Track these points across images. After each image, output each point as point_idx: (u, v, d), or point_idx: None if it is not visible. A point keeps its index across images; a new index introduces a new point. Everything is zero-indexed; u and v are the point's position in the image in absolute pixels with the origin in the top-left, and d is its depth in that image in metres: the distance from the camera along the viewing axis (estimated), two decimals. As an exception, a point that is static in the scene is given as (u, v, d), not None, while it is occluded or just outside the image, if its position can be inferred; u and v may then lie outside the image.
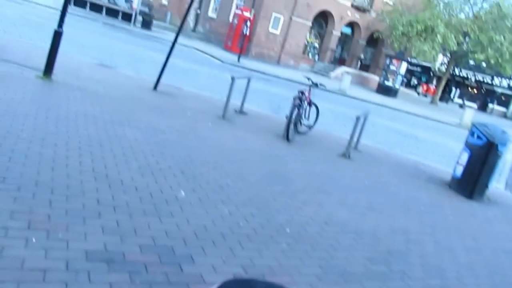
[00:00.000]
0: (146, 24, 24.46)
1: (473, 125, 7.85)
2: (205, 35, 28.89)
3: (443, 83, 33.25)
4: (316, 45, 30.91)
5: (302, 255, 3.53)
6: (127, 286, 2.47)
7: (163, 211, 3.59)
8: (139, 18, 24.58)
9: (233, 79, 8.03)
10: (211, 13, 30.35)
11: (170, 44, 9.16)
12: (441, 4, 29.81)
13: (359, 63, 32.79)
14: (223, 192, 4.39)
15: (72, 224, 3.01)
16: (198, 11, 30.55)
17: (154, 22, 25.74)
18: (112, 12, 24.88)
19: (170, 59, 9.07)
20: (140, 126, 5.98)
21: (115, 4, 25.01)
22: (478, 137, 7.18)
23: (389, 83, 27.02)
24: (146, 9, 26.24)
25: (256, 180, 5.09)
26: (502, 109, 48.01)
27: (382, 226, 4.76)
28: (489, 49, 26.61)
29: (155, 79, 8.92)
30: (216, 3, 30.05)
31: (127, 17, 24.76)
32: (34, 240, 2.69)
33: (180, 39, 10.47)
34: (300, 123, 8.26)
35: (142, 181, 4.09)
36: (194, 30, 30.61)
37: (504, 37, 25.95)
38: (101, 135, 5.17)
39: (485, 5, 29.02)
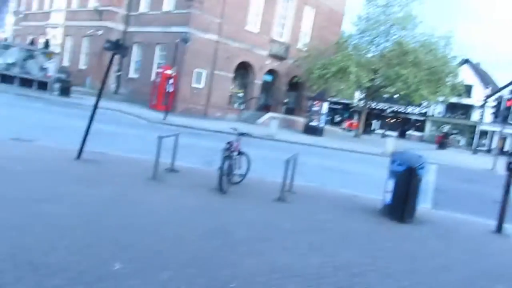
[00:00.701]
0: (65, 91, 23.71)
1: (393, 154, 8.38)
2: (129, 96, 28.61)
3: (364, 117, 35.40)
4: (241, 95, 31.77)
5: (249, 310, 3.44)
6: None
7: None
8: (56, 85, 23.83)
9: (160, 138, 7.95)
10: (132, 74, 30.27)
11: (92, 109, 8.93)
12: (350, 47, 32.27)
13: (284, 107, 34.07)
14: (161, 257, 4.22)
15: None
16: (119, 73, 30.36)
17: (73, 88, 25.04)
18: (26, 82, 23.86)
19: (94, 125, 8.82)
20: (65, 200, 5.65)
21: (29, 73, 24.11)
22: (399, 164, 7.65)
23: (314, 123, 28.22)
24: (63, 76, 25.56)
25: (194, 238, 4.96)
26: (418, 133, 51.86)
27: (325, 264, 4.79)
28: (397, 83, 28.95)
29: (78, 148, 8.57)
30: (136, 64, 30.10)
31: (43, 85, 23.89)
32: None
33: (103, 103, 10.28)
34: (233, 173, 8.28)
35: (71, 260, 3.82)
36: (116, 92, 30.22)
37: (408, 71, 28.43)
38: (21, 216, 4.79)
39: (388, 44, 31.83)
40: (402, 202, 7.47)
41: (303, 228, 6.25)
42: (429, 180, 9.67)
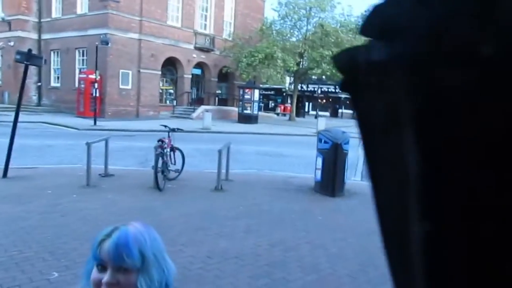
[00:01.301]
0: (-18, 109, 22.34)
1: (319, 132, 8.90)
2: (53, 107, 27.39)
3: (295, 100, 36.38)
4: (171, 91, 31.48)
5: (189, 294, 3.66)
6: None
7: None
8: (-28, 105, 22.35)
9: (88, 144, 7.87)
10: (53, 83, 28.94)
11: (12, 125, 8.61)
12: (274, 32, 32.92)
13: (216, 99, 34.20)
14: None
15: None
16: (39, 84, 28.90)
17: (-9, 105, 23.62)
18: None
19: (19, 140, 8.53)
20: (-6, 219, 5.52)
21: None
22: (325, 141, 8.15)
23: (247, 111, 28.62)
24: (-23, 94, 23.98)
25: (132, 238, 5.08)
26: (350, 111, 54.06)
27: (261, 244, 5.12)
28: (323, 64, 30.04)
29: (2, 167, 8.26)
30: (56, 72, 28.80)
31: (-44, 107, 22.31)
32: None
33: (26, 117, 9.91)
34: (168, 170, 8.39)
35: (7, 277, 3.83)
36: (39, 104, 28.80)
37: (331, 51, 29.56)
38: None
39: (310, 27, 32.85)
40: (331, 178, 7.99)
41: (239, 214, 6.54)
42: (358, 154, 10.32)
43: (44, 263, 4.17)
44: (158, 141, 8.25)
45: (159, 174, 7.85)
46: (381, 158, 0.39)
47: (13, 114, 8.89)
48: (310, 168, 10.56)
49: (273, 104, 51.54)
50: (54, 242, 4.77)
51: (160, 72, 28.60)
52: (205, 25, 31.84)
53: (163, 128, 9.24)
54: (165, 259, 1.22)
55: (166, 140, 8.53)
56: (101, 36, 22.07)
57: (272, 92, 51.05)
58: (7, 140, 8.38)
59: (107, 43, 22.15)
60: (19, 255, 4.34)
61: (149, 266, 1.15)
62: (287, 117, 38.33)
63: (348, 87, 0.40)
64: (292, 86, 37.80)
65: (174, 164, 8.80)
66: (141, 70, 26.91)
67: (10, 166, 8.34)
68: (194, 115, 28.11)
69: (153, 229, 1.26)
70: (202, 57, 31.42)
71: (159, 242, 1.23)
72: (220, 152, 8.15)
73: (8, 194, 7.00)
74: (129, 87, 26.51)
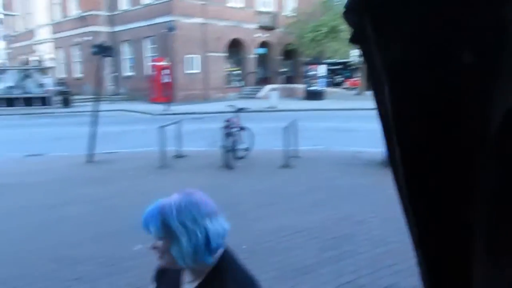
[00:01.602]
0: (66, 102, 24.23)
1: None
2: (129, 95, 28.98)
3: (364, 73, 35.25)
4: (237, 72, 31.90)
5: (260, 263, 3.83)
6: None
7: (122, 267, 3.79)
8: (57, 98, 24.32)
9: (161, 128, 8.33)
10: (127, 72, 30.56)
11: (93, 114, 9.34)
12: (338, 4, 31.94)
13: (282, 77, 34.12)
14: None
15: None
16: (114, 74, 30.66)
17: (73, 97, 25.52)
18: (26, 101, 24.36)
19: (100, 128, 9.24)
20: (82, 200, 6.10)
21: (29, 92, 24.58)
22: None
23: (313, 88, 28.27)
24: (61, 88, 25.97)
25: (206, 214, 5.37)
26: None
27: (329, 218, 5.18)
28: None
29: (87, 153, 9.02)
30: (129, 62, 30.33)
31: (44, 101, 24.38)
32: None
33: (105, 106, 10.66)
34: (237, 149, 8.66)
35: (96, 249, 4.26)
36: (115, 93, 30.61)
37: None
38: (45, 220, 5.27)
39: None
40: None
41: (307, 189, 6.62)
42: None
43: (127, 238, 4.56)
44: (226, 121, 8.52)
45: (229, 153, 8.13)
46: (379, 104, 0.49)
47: (93, 104, 9.63)
48: (379, 143, 10.33)
49: (340, 79, 50.32)
50: (134, 219, 5.18)
51: (225, 54, 29.07)
52: (267, 2, 31.67)
53: (230, 108, 9.50)
54: (199, 224, 1.25)
55: (234, 120, 8.78)
56: (167, 24, 22.83)
57: (339, 67, 49.83)
58: (90, 129, 9.12)
59: (173, 30, 22.89)
60: (105, 232, 4.79)
61: (177, 235, 1.23)
62: (355, 92, 37.35)
63: (356, 40, 0.49)
64: (359, 59, 36.63)
65: (243, 143, 9.04)
66: (207, 54, 27.54)
67: (94, 151, 9.09)
68: (261, 94, 28.34)
69: (196, 195, 1.33)
70: (266, 35, 31.38)
71: (194, 209, 1.27)
72: (286, 129, 8.24)
73: (93, 177, 7.66)
74: (197, 71, 27.30)
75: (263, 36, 31.22)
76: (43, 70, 25.62)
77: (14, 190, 6.83)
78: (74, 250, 4.28)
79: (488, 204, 0.43)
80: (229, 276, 1.29)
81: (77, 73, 33.63)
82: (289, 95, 29.95)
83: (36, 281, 3.59)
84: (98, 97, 9.61)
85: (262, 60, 32.97)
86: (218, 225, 1.28)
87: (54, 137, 13.56)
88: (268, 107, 21.02)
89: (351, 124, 15.48)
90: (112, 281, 3.55)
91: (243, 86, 30.95)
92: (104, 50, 9.35)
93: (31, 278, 3.66)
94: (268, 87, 29.38)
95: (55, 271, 3.79)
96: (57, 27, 34.79)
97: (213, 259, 1.27)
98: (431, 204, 0.50)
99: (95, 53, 9.51)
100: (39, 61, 30.05)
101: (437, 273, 0.50)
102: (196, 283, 1.31)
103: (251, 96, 28.47)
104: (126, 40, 29.74)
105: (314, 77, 28.35)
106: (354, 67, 44.87)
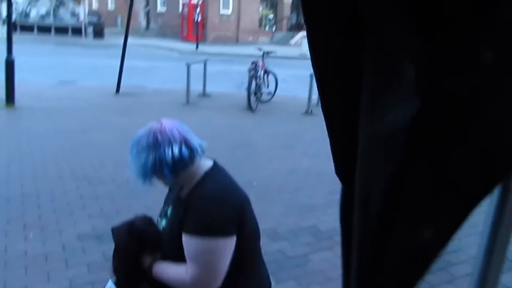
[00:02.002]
0: (98, 33, 24.37)
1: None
2: (160, 31, 28.88)
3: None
4: (271, 16, 31.14)
5: (269, 200, 4.03)
6: (117, 252, 2.94)
7: (140, 191, 4.04)
8: (89, 29, 24.48)
9: (188, 65, 8.42)
10: (160, 8, 30.25)
11: (123, 47, 9.47)
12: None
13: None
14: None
15: (61, 218, 3.46)
16: (147, 9, 30.43)
17: (106, 29, 25.63)
18: (61, 31, 24.63)
19: (129, 62, 9.40)
20: (108, 128, 6.38)
21: (62, 21, 24.78)
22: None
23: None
24: (95, 19, 26.05)
25: (223, 150, 5.55)
26: None
27: (343, 164, 5.28)
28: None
29: (115, 84, 9.25)
30: (163, -2, 29.98)
31: (77, 31, 24.60)
32: (31, 235, 3.14)
33: (135, 40, 10.76)
34: (260, 92, 8.71)
35: (117, 173, 4.52)
36: (147, 28, 30.54)
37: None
38: (73, 143, 5.57)
39: None
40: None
41: (326, 137, 6.67)
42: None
43: (148, 165, 4.82)
44: (252, 63, 8.52)
45: (252, 96, 8.20)
46: None
47: (124, 37, 9.73)
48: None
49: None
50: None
51: (260, -3, 28.32)
52: None
53: (259, 52, 9.45)
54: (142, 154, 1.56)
55: (260, 63, 8.77)
56: (203, -40, 22.21)
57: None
58: (120, 62, 9.29)
59: (209, -33, 22.28)
60: (127, 158, 5.04)
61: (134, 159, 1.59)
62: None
63: None
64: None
65: (267, 87, 9.06)
66: (241, -6, 26.87)
67: (122, 84, 9.32)
68: (293, 41, 27.77)
69: (150, 128, 1.58)
70: (303, -21, 30.20)
71: (142, 141, 1.57)
72: (311, 76, 8.19)
73: (120, 108, 7.92)
74: (229, 12, 26.80)
75: (300, -21, 30.04)
76: (76, 0, 25.64)
77: (46, 114, 7.16)
78: (97, 172, 4.56)
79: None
80: (207, 183, 1.56)
81: (111, 5, 33.53)
82: (322, 43, 29.11)
83: (59, 196, 3.90)
84: (129, 31, 9.67)
85: (298, 5, 31.96)
86: (168, 153, 1.53)
87: (85, 67, 13.86)
88: (299, 55, 20.67)
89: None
90: (129, 202, 3.81)
91: (275, 31, 30.31)
92: (136, -18, 9.28)
93: (55, 193, 3.97)
94: (301, 34, 28.68)
95: (77, 189, 4.09)
96: (92, -44, 34.35)
97: (173, 175, 1.54)
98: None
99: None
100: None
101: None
102: (187, 192, 1.58)
103: (283, 42, 27.93)
104: (161, -25, 29.24)
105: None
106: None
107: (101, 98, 8.85)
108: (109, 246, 3.00)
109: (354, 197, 0.59)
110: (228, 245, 1.49)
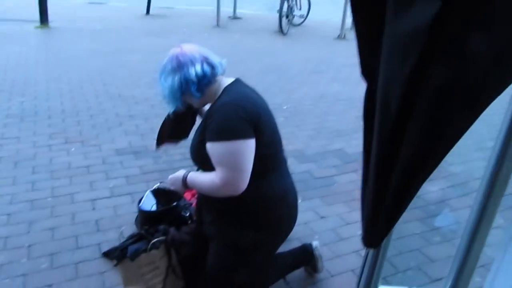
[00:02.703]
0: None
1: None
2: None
3: None
4: None
5: (298, 123, 4.10)
6: (152, 166, 3.13)
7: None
8: None
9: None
10: None
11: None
12: None
13: None
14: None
15: (100, 134, 3.65)
16: None
17: None
18: None
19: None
20: (140, 49, 6.43)
21: None
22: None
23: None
24: None
25: (253, 74, 5.56)
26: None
27: (374, 90, 5.22)
28: None
29: (145, 5, 9.13)
30: None
31: None
32: (73, 149, 3.35)
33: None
34: (292, 15, 8.45)
35: (151, 93, 4.64)
36: None
37: None
38: (107, 63, 5.68)
39: None
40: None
41: (356, 63, 6.54)
42: None
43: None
44: (284, -16, 8.17)
45: (284, 18, 7.98)
46: None
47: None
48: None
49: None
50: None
51: None
52: None
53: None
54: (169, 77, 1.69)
55: (293, -16, 8.41)
56: None
57: None
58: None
59: None
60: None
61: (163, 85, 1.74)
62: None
63: None
64: None
65: (300, 9, 8.76)
66: None
67: (151, 5, 9.18)
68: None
69: (171, 53, 1.71)
70: None
71: (167, 65, 1.70)
72: (346, -2, 7.84)
73: (150, 30, 7.89)
74: None
75: None
76: None
77: (79, 35, 7.23)
78: (130, 92, 4.69)
79: None
80: (225, 94, 1.68)
81: None
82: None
83: (96, 114, 4.07)
84: None
85: None
86: (192, 71, 1.67)
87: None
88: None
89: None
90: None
91: None
92: None
93: (92, 111, 4.14)
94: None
95: (113, 107, 4.25)
96: None
97: (200, 92, 1.69)
98: None
99: None
100: None
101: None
102: (209, 107, 1.72)
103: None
104: None
105: None
106: None
107: (131, 19, 8.80)
108: (145, 161, 3.20)
109: (377, 96, 0.63)
110: (248, 146, 1.59)
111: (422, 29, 0.52)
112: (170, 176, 1.87)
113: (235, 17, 9.18)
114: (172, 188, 1.86)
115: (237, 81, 1.76)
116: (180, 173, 1.80)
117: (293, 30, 8.24)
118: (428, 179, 0.64)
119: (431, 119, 0.57)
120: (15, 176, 2.91)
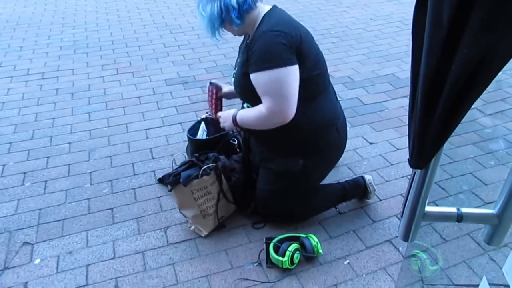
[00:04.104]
0: None
1: None
2: None
3: None
4: None
5: (347, 48, 3.95)
6: (201, 96, 3.17)
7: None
8: None
9: None
10: None
11: None
12: None
13: None
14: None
15: (149, 64, 3.71)
16: None
17: None
18: None
19: None
20: None
21: None
22: None
23: None
24: None
25: (300, -3, 5.32)
26: None
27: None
28: None
29: None
30: None
31: None
32: (124, 80, 3.44)
33: None
34: None
35: (196, 22, 4.59)
36: None
37: None
38: None
39: None
40: None
41: None
42: None
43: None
44: None
45: None
46: None
47: None
48: None
49: None
50: None
51: None
52: None
53: None
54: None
55: None
56: None
57: None
58: None
59: None
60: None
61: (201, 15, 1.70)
62: None
63: None
64: None
65: None
66: None
67: None
68: None
69: None
70: None
71: None
72: None
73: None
74: None
75: None
76: None
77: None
78: (176, 21, 4.66)
79: None
80: (264, 22, 1.64)
81: None
82: None
83: (144, 44, 4.11)
84: None
85: None
86: None
87: None
88: None
89: None
90: (208, 50, 3.92)
91: None
92: None
93: (140, 41, 4.18)
94: None
95: (160, 37, 4.26)
96: None
97: (241, 19, 1.64)
98: None
99: None
100: None
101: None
102: (250, 37, 1.69)
103: None
104: None
105: None
106: None
107: None
108: (193, 91, 3.25)
109: (427, 6, 0.59)
110: (292, 73, 1.57)
111: None
112: (220, 113, 1.89)
113: None
114: (222, 124, 1.88)
115: (275, 8, 1.71)
116: (230, 112, 1.81)
117: None
118: (485, 103, 0.62)
119: (487, 27, 0.53)
120: (73, 107, 3.06)
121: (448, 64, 0.58)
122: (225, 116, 1.84)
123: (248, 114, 1.73)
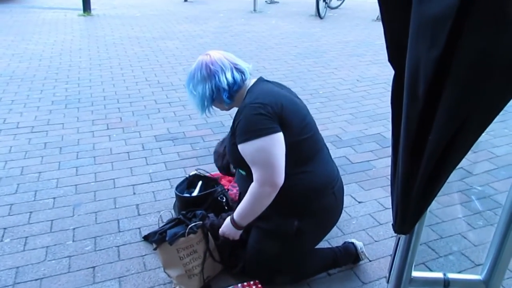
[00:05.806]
0: None
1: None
2: None
3: None
4: None
5: (335, 108, 4.04)
6: (190, 153, 3.18)
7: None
8: None
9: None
10: None
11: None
12: None
13: None
14: (260, 75, 4.90)
15: (140, 120, 3.74)
16: None
17: None
18: None
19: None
20: (178, 36, 6.50)
21: None
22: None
23: None
24: None
25: (290, 58, 5.51)
26: None
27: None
28: None
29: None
30: None
31: None
32: (114, 135, 3.45)
33: None
34: (330, -3, 8.28)
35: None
36: None
37: None
38: (146, 51, 5.79)
39: None
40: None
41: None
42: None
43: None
44: (322, -35, 8.00)
45: (321, 2, 7.83)
46: None
47: None
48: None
49: None
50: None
51: None
52: None
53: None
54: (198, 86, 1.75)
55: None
56: None
57: None
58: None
59: None
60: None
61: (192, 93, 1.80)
62: None
63: None
64: None
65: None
66: None
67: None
68: None
69: (200, 62, 1.77)
70: None
71: (196, 75, 1.77)
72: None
73: (188, 16, 7.96)
74: None
75: None
76: None
77: (119, 22, 7.39)
78: (168, 79, 4.77)
79: None
80: (248, 96, 1.72)
81: None
82: None
83: (136, 100, 4.17)
84: None
85: None
86: (223, 79, 1.72)
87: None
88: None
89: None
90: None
91: None
92: None
93: (132, 97, 4.25)
94: None
95: (152, 94, 4.34)
96: None
97: (231, 99, 1.75)
98: None
99: None
100: None
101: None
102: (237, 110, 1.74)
103: None
104: None
105: None
106: None
107: (170, 6, 8.90)
108: (183, 148, 3.26)
109: (404, 81, 0.62)
110: (276, 141, 1.60)
111: (450, 9, 0.50)
112: (220, 231, 1.84)
113: (272, 1, 9.10)
114: (227, 236, 1.82)
115: (259, 80, 1.79)
116: (226, 220, 1.80)
117: (330, 13, 8.09)
118: (472, 161, 0.63)
119: (461, 99, 0.55)
120: (60, 161, 3.04)
121: (425, 134, 0.60)
122: (226, 227, 1.80)
123: (242, 204, 1.72)
